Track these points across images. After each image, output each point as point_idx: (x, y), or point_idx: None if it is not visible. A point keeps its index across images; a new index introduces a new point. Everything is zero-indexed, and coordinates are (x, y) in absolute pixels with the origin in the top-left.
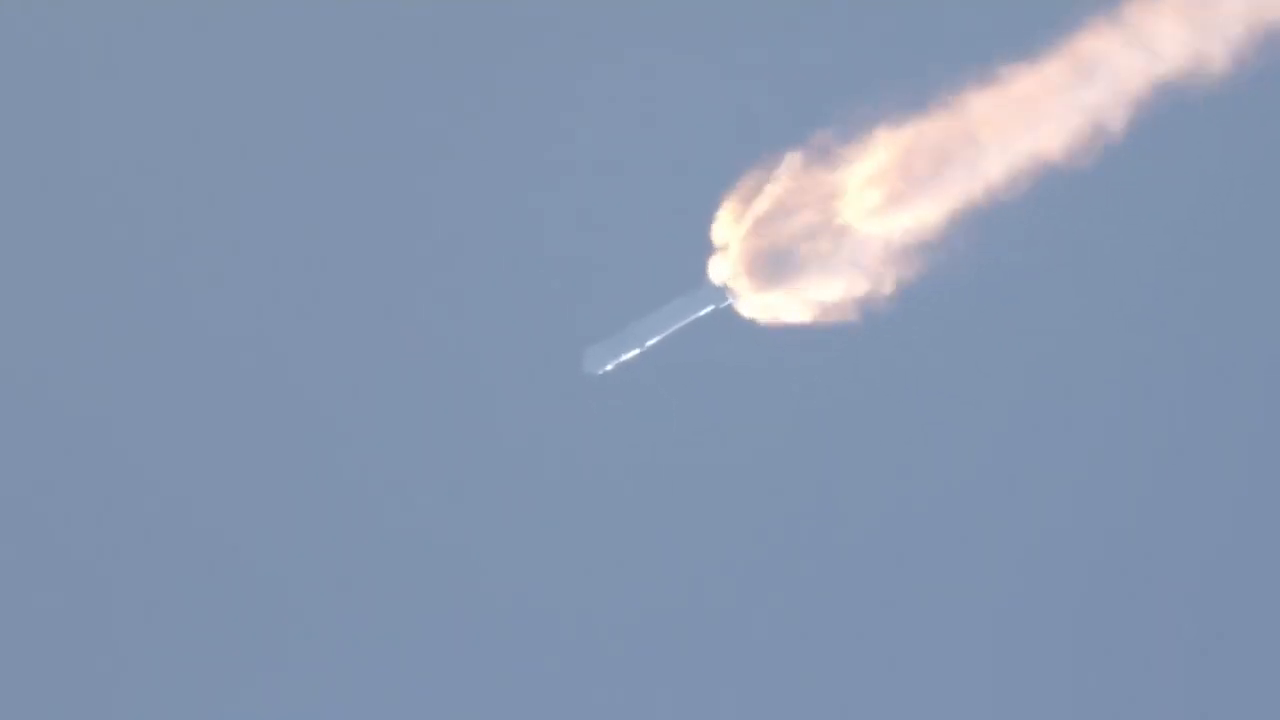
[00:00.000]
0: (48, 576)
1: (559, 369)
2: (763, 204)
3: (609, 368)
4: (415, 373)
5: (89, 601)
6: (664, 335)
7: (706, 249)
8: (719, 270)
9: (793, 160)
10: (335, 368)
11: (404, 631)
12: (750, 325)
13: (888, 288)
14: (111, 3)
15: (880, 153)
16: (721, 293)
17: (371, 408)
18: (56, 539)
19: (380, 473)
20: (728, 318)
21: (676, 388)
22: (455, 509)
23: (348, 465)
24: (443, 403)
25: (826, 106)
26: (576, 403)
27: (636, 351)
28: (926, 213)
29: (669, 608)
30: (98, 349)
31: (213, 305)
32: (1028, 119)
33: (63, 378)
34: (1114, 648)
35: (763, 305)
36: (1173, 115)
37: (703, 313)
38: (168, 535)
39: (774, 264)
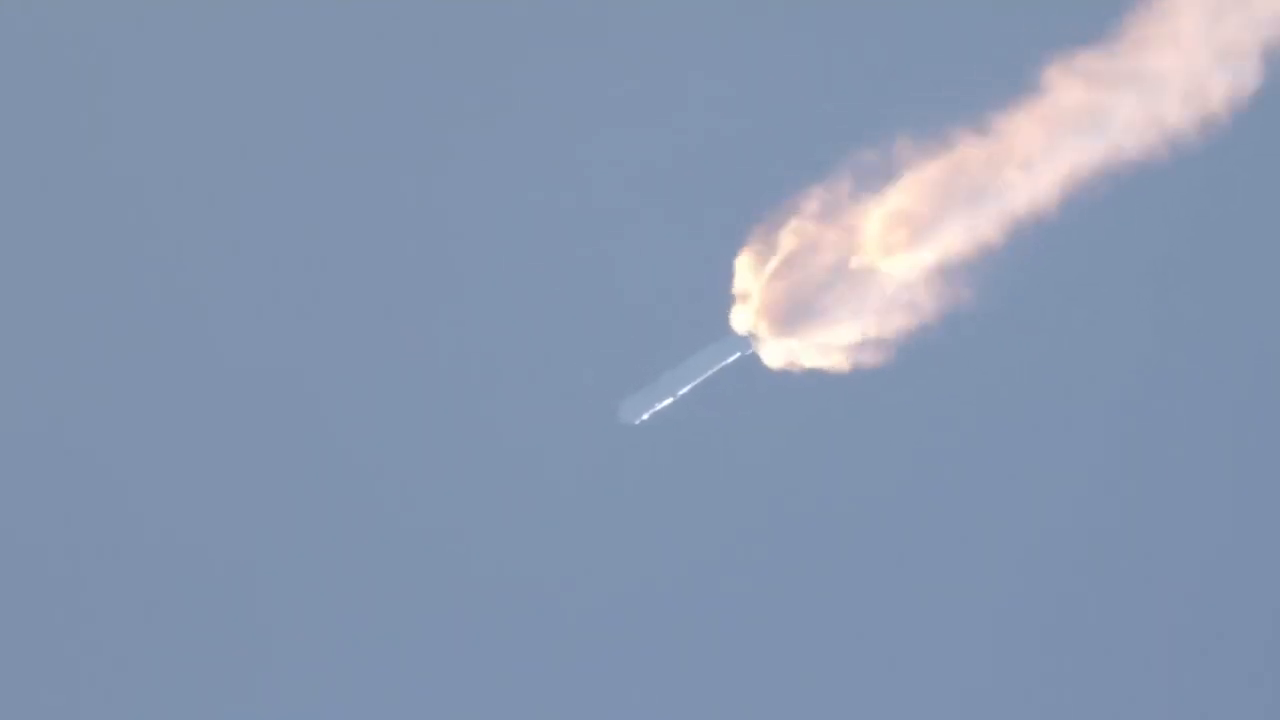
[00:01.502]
0: (52, 576)
1: (596, 421)
2: (781, 249)
3: (645, 417)
4: (467, 430)
5: (91, 602)
6: (694, 384)
7: (729, 296)
8: (742, 318)
9: (810, 202)
10: (383, 418)
11: (437, 676)
12: (775, 372)
13: (910, 328)
14: (112, 3)
15: (896, 193)
16: (746, 340)
17: (425, 460)
18: (60, 539)
19: (433, 517)
20: (753, 364)
21: (707, 435)
22: (510, 552)
23: (394, 511)
24: (487, 456)
25: (841, 147)
26: (618, 452)
27: (670, 400)
28: (945, 252)
29: (705, 645)
30: (108, 349)
31: (238, 337)
32: (1042, 153)
33: (65, 378)
34: (1124, 661)
35: (786, 351)
36: (1193, 143)
37: (729, 360)
38: (189, 543)
39: (795, 310)
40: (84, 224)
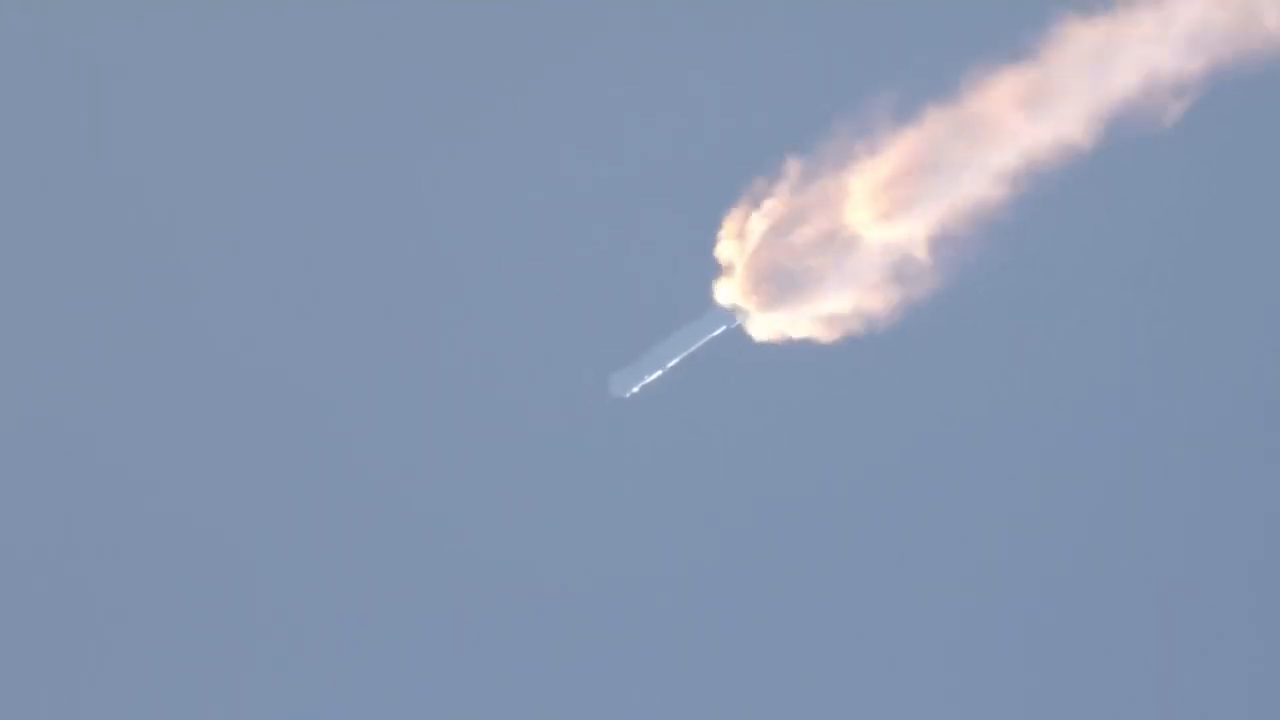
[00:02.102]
0: (60, 576)
1: (588, 394)
2: (764, 221)
3: (635, 390)
4: (465, 407)
5: (102, 602)
6: (682, 357)
7: (714, 269)
8: (726, 292)
9: (791, 174)
10: (383, 398)
11: (435, 647)
12: (761, 344)
13: (895, 298)
14: (111, 3)
15: (879, 161)
16: (731, 314)
17: (425, 433)
18: (69, 539)
19: (433, 489)
20: (741, 337)
21: (694, 406)
22: (515, 528)
23: (395, 484)
24: (486, 431)
25: (821, 118)
26: (611, 423)
27: (659, 374)
28: (929, 220)
29: (699, 616)
30: (109, 348)
31: (242, 329)
32: (1026, 118)
33: (72, 378)
34: (1121, 656)
35: (771, 324)
36: (1177, 110)
37: (716, 333)
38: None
39: (779, 282)
40: (86, 223)
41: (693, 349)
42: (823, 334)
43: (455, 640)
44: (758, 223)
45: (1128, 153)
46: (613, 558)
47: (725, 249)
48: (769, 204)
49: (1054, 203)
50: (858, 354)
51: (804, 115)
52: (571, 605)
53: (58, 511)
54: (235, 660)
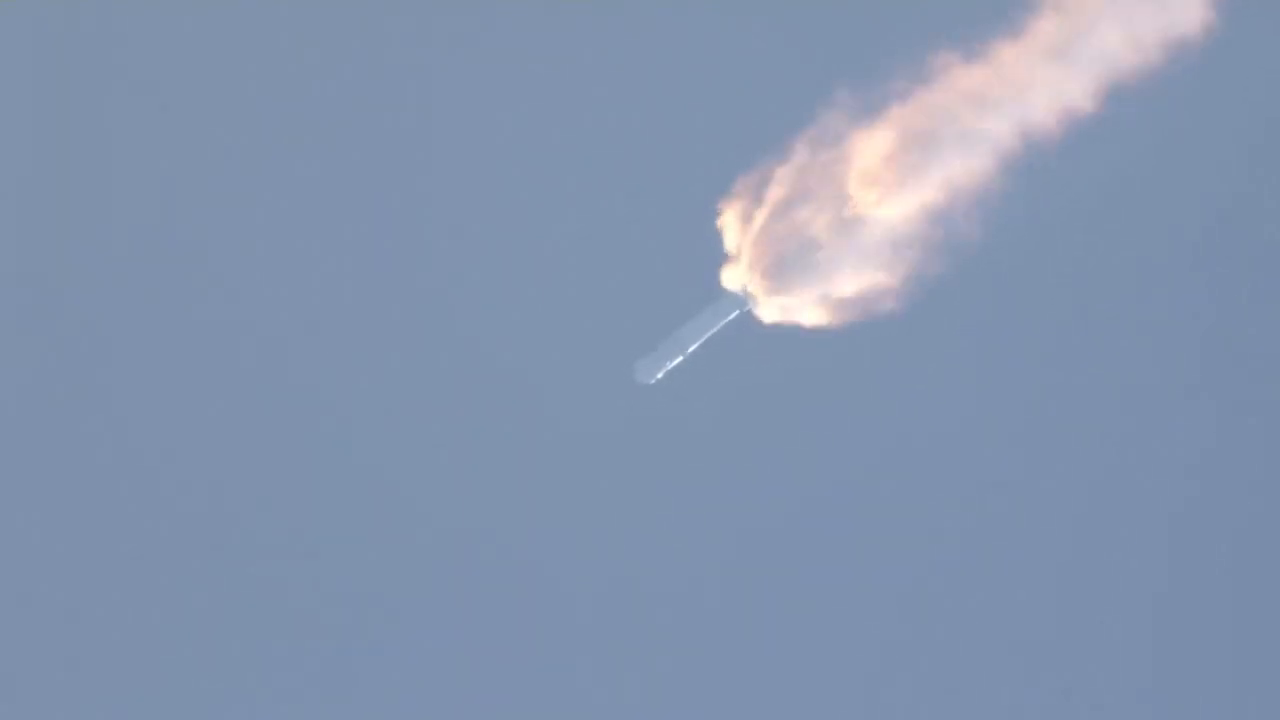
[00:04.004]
0: (64, 576)
1: (616, 382)
2: (768, 204)
3: (659, 376)
4: (500, 400)
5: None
6: (701, 342)
7: (721, 255)
8: (734, 277)
9: (793, 155)
10: (429, 397)
11: (454, 640)
12: (772, 328)
13: (903, 277)
14: (112, 2)
15: (880, 141)
16: (741, 299)
17: (461, 435)
18: (76, 539)
19: (475, 472)
20: (754, 321)
21: (715, 390)
22: (548, 516)
23: (440, 470)
24: (516, 418)
25: (819, 97)
26: (642, 410)
27: (680, 359)
28: (933, 195)
29: (738, 600)
30: (108, 348)
31: (249, 320)
32: (1023, 88)
33: (76, 379)
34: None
35: (781, 307)
36: (1177, 77)
37: (731, 317)
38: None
39: (786, 266)
40: (86, 222)
41: (710, 334)
42: (833, 315)
43: (484, 626)
44: (762, 207)
45: (1132, 121)
46: (650, 542)
47: (731, 234)
48: (773, 187)
49: (1059, 177)
50: (871, 334)
51: (802, 98)
52: (615, 593)
53: (56, 509)
54: (240, 658)
